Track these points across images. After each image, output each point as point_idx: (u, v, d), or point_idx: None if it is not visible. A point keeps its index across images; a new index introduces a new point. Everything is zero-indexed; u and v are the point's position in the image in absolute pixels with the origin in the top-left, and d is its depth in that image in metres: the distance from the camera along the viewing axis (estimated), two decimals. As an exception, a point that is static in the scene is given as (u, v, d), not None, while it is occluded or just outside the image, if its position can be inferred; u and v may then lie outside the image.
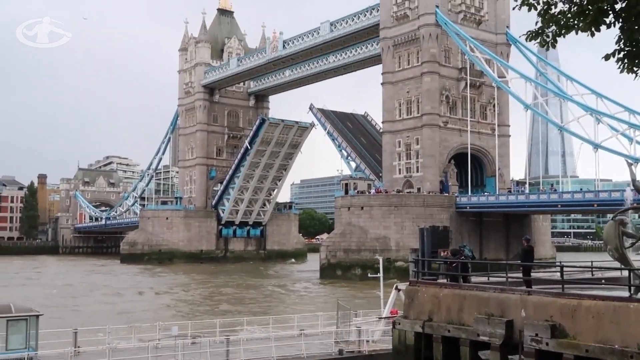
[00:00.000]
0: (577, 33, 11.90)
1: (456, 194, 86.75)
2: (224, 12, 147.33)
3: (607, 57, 12.21)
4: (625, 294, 16.57)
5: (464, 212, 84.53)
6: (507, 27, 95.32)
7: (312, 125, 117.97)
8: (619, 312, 15.75)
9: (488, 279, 21.87)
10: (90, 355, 23.89)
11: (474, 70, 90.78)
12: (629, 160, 45.20)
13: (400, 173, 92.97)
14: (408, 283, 23.79)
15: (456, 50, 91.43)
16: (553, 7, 12.07)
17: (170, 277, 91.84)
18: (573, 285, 18.86)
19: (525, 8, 12.12)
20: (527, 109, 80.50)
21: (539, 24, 12.29)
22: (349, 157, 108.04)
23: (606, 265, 22.70)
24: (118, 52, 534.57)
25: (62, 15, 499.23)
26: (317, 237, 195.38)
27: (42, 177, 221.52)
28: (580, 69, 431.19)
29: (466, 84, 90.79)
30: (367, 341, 26.86)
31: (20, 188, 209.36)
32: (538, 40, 12.47)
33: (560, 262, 20.38)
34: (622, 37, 11.85)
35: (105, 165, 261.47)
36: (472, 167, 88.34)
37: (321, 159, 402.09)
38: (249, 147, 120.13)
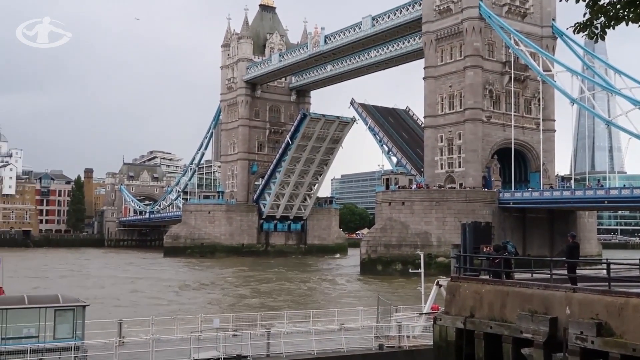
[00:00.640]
0: (627, 24, 11.56)
1: (499, 190, 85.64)
2: (266, 8, 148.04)
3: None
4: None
5: (507, 208, 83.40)
6: (553, 19, 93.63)
7: (354, 120, 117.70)
8: (668, 311, 15.30)
9: (532, 276, 21.48)
10: (134, 346, 24.41)
11: (519, 64, 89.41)
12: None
13: (442, 168, 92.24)
14: (449, 279, 23.58)
15: (500, 44, 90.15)
16: (602, -3, 11.75)
17: (213, 271, 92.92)
18: (620, 283, 18.40)
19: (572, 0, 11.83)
20: (573, 103, 78.89)
21: (587, 16, 11.96)
22: (390, 152, 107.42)
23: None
24: (164, 49, 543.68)
25: (112, 15, 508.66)
26: (358, 232, 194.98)
27: (89, 172, 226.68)
28: (629, 62, 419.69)
29: (510, 78, 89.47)
30: (408, 336, 26.79)
31: (68, 182, 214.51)
32: (586, 33, 12.10)
33: (607, 259, 19.88)
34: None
35: (149, 160, 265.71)
36: (515, 163, 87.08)
37: (362, 154, 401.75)
38: (290, 142, 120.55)
